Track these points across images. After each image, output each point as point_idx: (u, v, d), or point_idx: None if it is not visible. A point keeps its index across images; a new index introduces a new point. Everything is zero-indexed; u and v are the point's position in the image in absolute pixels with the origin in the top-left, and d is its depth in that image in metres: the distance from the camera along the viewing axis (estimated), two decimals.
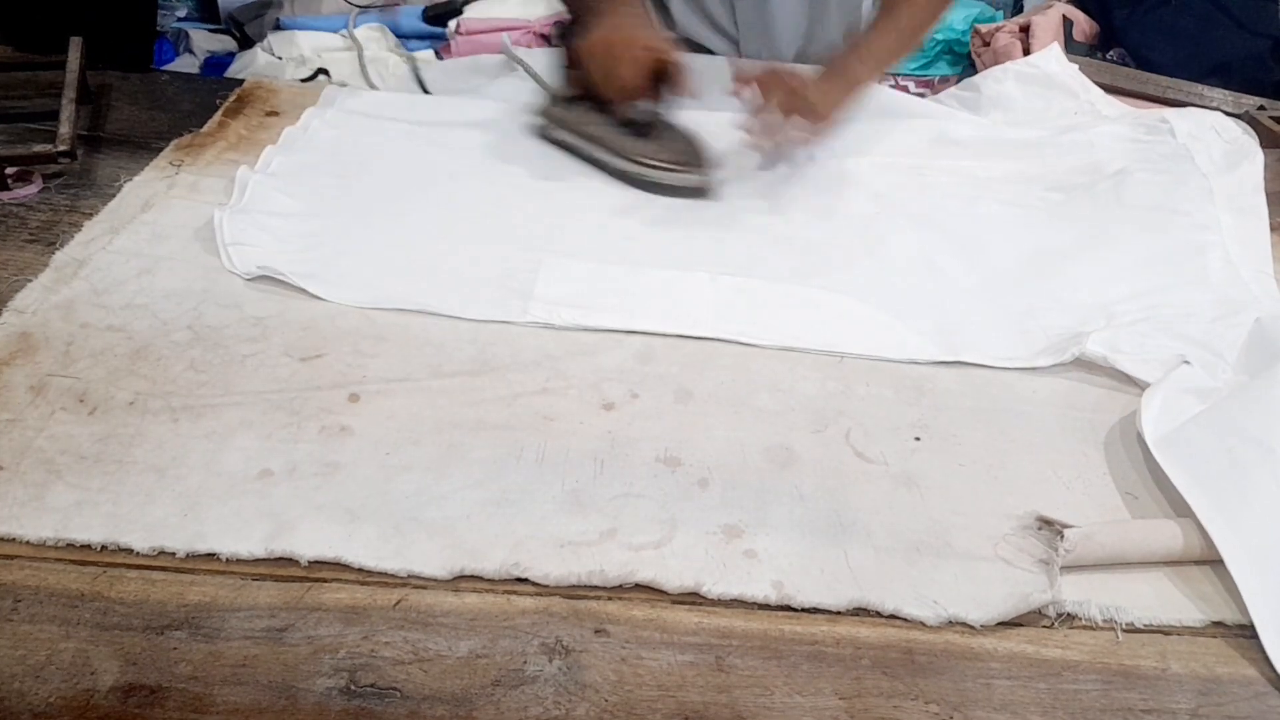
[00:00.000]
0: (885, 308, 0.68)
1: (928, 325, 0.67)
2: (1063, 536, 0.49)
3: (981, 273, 0.73)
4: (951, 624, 0.47)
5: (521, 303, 0.66)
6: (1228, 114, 1.12)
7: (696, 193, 0.80)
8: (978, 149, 0.87)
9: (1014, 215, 0.80)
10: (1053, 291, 0.70)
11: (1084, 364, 0.63)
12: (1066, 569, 0.49)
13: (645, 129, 0.82)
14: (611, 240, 0.74)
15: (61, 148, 0.77)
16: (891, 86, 1.89)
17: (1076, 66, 1.03)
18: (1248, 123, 0.96)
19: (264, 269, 0.66)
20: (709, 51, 1.04)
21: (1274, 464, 0.52)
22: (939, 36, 1.85)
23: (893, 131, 0.89)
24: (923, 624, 0.46)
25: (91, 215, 0.74)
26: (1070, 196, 0.82)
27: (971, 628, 0.46)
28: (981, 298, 0.70)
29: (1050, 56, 1.03)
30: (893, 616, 0.47)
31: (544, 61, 1.02)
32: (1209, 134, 0.88)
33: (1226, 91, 1.15)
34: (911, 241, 0.76)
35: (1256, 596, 0.47)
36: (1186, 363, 0.61)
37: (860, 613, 0.47)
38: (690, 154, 0.81)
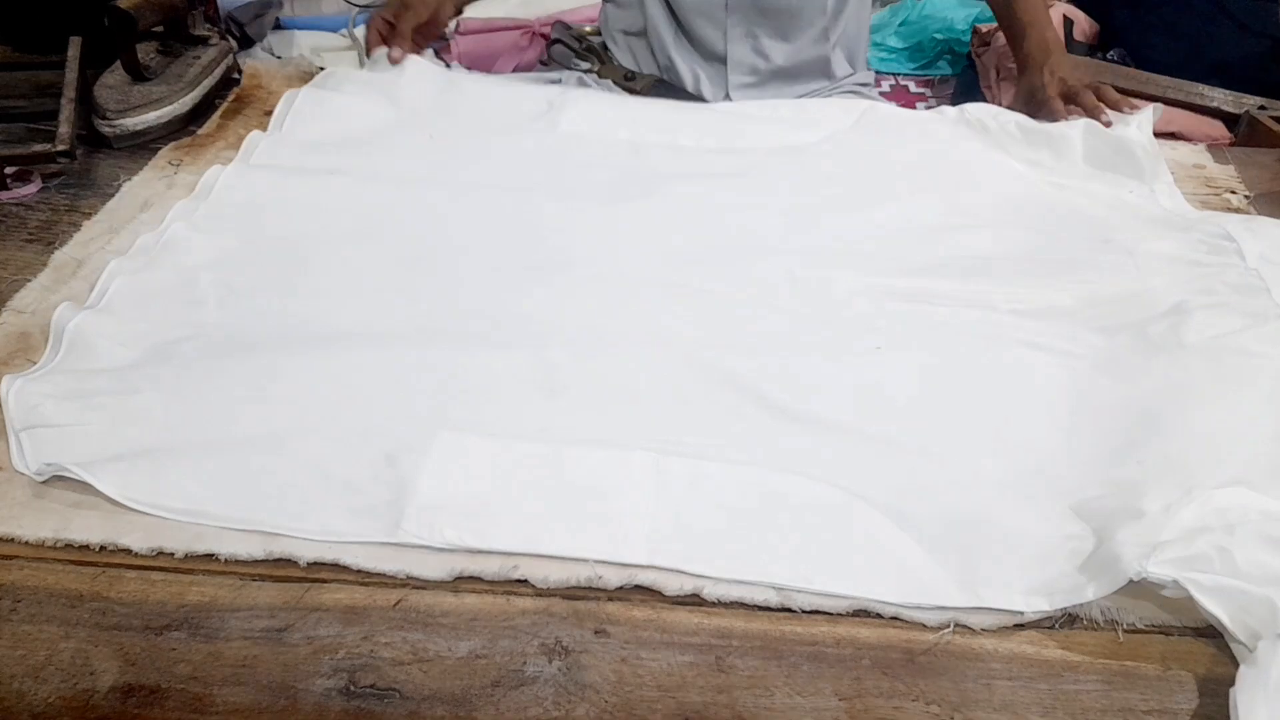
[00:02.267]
0: (884, 507, 0.51)
1: (942, 542, 0.50)
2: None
3: (1010, 449, 0.56)
4: (954, 624, 0.46)
5: (394, 514, 0.49)
6: (1227, 114, 1.12)
7: None
8: (998, 261, 0.70)
9: (1048, 366, 0.62)
10: (1097, 468, 0.54)
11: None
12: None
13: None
14: (533, 397, 0.57)
15: (61, 147, 0.77)
16: (891, 86, 1.87)
17: (1151, 138, 0.85)
18: (1248, 123, 0.96)
19: (52, 467, 0.50)
20: (683, 89, 1.04)
21: None
22: (939, 36, 1.84)
23: (895, 199, 0.76)
24: (923, 624, 0.46)
25: (90, 215, 0.74)
26: (1113, 340, 0.63)
27: (972, 628, 0.46)
28: (1008, 487, 0.53)
29: (1138, 119, 0.86)
30: (894, 618, 0.47)
31: None
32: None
33: (1227, 91, 1.15)
34: (920, 403, 0.59)
35: None
36: None
37: (860, 613, 0.47)
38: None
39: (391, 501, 0.50)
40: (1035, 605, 0.47)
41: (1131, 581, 0.46)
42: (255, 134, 0.84)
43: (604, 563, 0.48)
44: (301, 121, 0.86)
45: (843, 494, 0.52)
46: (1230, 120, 1.12)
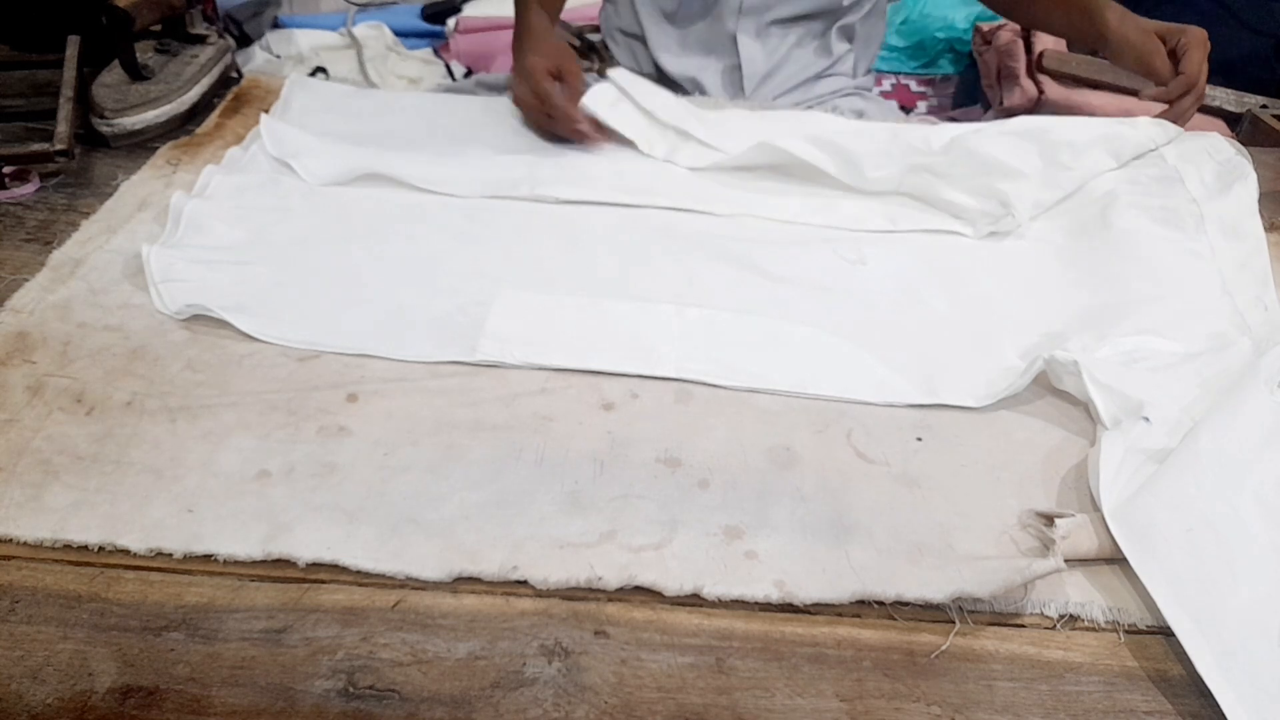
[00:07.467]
0: (862, 342, 0.64)
1: (906, 362, 0.63)
2: (1053, 524, 0.49)
3: (964, 305, 0.70)
4: (956, 601, 0.46)
5: (470, 340, 0.62)
6: (1230, 113, 1.12)
7: None
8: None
9: (996, 244, 0.77)
10: (1036, 323, 0.68)
11: None
12: (1070, 566, 0.49)
13: None
14: (573, 270, 0.70)
15: (59, 147, 0.77)
16: (892, 85, 1.87)
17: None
18: (1250, 121, 0.96)
19: (192, 306, 0.62)
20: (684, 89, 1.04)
21: (1228, 548, 0.48)
22: (940, 35, 1.84)
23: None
24: (925, 622, 0.46)
25: (89, 214, 0.74)
26: (1054, 224, 0.79)
27: (973, 628, 0.46)
28: (963, 331, 0.67)
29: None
30: (897, 604, 0.46)
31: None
32: (1201, 155, 0.84)
33: (1229, 90, 1.15)
34: (891, 270, 0.73)
35: (1230, 699, 0.43)
36: (1146, 419, 0.55)
37: (862, 612, 0.47)
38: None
39: (468, 333, 0.62)
40: (982, 402, 0.59)
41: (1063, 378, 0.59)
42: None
43: (642, 376, 0.60)
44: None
45: (828, 334, 0.65)
46: (1233, 119, 1.12)
